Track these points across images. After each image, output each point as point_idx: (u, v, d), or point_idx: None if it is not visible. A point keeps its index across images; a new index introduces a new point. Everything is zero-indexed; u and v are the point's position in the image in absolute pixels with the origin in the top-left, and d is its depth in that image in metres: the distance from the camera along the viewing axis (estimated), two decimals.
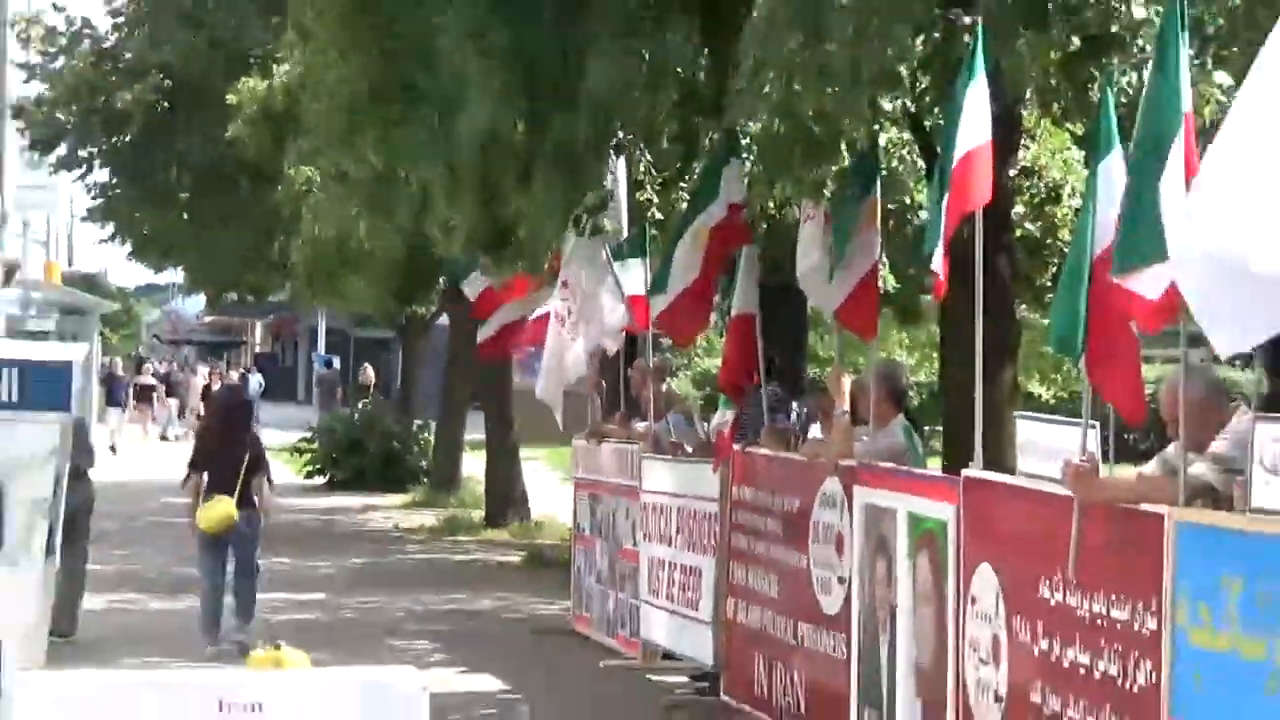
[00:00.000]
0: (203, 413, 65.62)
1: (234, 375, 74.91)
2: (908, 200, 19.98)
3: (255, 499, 20.28)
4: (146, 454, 55.07)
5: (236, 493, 20.00)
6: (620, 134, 19.67)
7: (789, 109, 16.07)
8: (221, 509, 19.88)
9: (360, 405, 59.21)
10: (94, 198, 53.95)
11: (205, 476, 20.52)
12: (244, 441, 20.97)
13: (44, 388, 7.50)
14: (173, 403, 73.36)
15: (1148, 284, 10.95)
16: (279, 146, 35.03)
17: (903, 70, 16.48)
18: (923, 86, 17.00)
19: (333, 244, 34.46)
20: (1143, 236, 10.99)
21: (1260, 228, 9.44)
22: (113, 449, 55.61)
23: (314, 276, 39.89)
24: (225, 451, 20.68)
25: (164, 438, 65.77)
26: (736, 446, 18.32)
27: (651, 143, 20.87)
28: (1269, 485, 9.95)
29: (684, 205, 23.67)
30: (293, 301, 58.96)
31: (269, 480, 21.02)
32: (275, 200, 39.05)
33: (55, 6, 49.82)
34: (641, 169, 23.60)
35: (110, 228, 55.21)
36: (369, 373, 68.46)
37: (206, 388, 71.19)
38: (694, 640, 18.70)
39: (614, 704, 18.29)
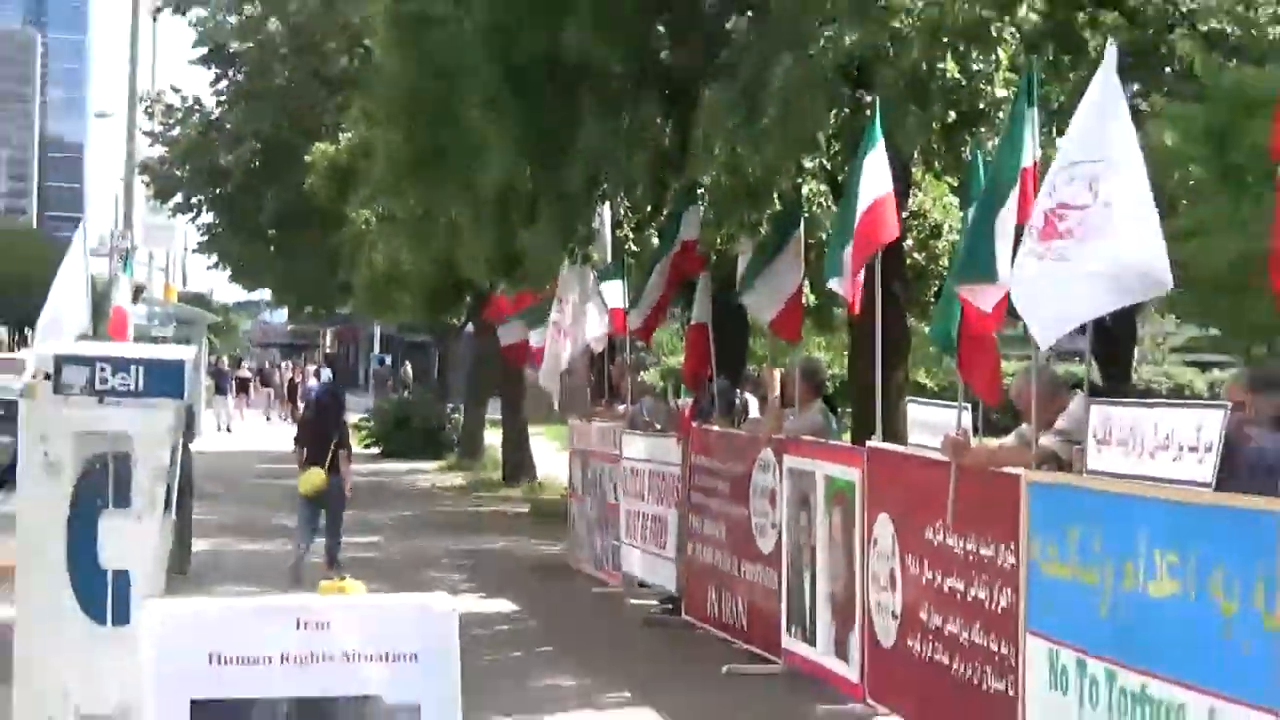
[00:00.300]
0: (287, 400, 66.57)
1: (310, 370, 75.17)
2: (824, 237, 19.90)
3: (341, 469, 20.52)
4: (247, 432, 54.95)
5: (327, 464, 20.25)
6: (605, 186, 19.63)
7: (733, 167, 16.09)
8: (316, 477, 20.14)
9: (404, 393, 59.39)
10: (202, 235, 54.14)
11: (305, 450, 20.79)
12: (334, 426, 21.18)
13: (163, 380, 7.49)
14: (267, 391, 74.27)
15: (981, 298, 11.30)
16: (343, 195, 35.06)
17: (820, 137, 16.49)
18: (835, 150, 16.99)
19: (384, 269, 34.52)
20: (978, 259, 11.39)
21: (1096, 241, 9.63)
22: (228, 429, 55.75)
23: (370, 294, 39.94)
24: (320, 433, 20.92)
25: (268, 419, 65.99)
26: (694, 424, 18.37)
27: (629, 192, 20.83)
28: (1100, 453, 10.02)
29: (655, 241, 23.72)
30: (354, 313, 59.02)
31: (349, 455, 21.21)
32: (340, 236, 39.09)
33: (173, 88, 49.80)
34: (621, 212, 23.59)
35: (214, 258, 55.38)
36: (408, 369, 68.71)
37: (291, 380, 71.85)
38: (662, 572, 18.68)
39: (602, 621, 18.35)
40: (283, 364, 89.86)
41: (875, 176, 13.85)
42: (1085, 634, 9.76)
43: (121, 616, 7.07)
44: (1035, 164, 11.36)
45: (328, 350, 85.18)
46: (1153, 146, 19.53)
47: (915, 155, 16.99)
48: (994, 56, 15.98)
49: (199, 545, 21.49)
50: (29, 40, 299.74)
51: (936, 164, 19.11)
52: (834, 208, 18.82)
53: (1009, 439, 12.11)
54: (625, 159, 18.26)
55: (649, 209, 22.21)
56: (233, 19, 46.69)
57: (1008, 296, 11.39)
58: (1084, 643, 9.77)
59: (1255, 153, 14.87)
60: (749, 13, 16.87)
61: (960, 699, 11.46)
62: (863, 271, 14.11)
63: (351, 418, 44.10)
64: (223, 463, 37.18)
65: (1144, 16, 18.76)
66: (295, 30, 43.74)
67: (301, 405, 53.42)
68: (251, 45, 45.77)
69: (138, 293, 39.02)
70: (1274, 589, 7.96)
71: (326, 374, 64.60)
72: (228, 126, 47.42)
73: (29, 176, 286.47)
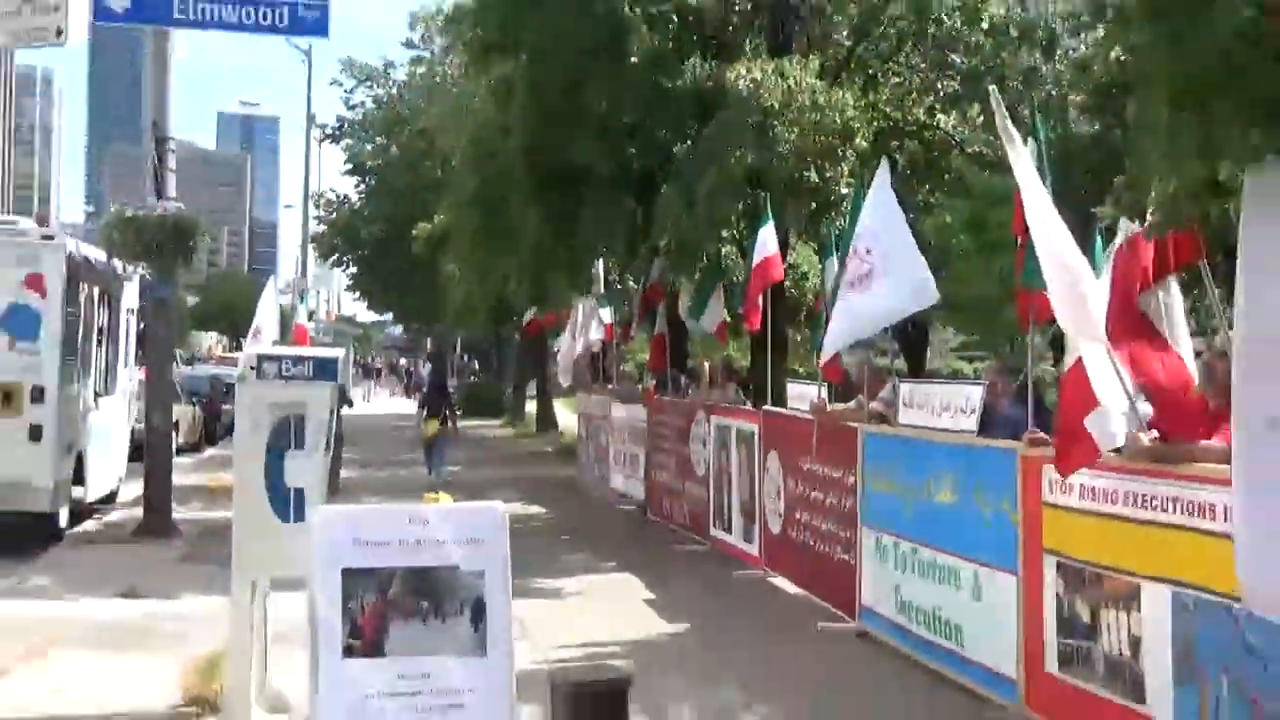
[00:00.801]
0: (404, 383, 66.49)
1: (420, 363, 75.03)
2: (735, 279, 19.94)
3: (448, 423, 20.58)
4: (379, 404, 54.88)
5: (439, 419, 20.29)
6: (600, 248, 19.60)
7: (679, 237, 16.11)
8: (432, 426, 20.19)
9: (472, 378, 59.40)
10: (349, 280, 54.00)
11: (426, 410, 20.86)
12: (442, 396, 21.29)
13: (324, 369, 7.44)
14: (392, 378, 74.34)
15: None
16: (437, 255, 34.86)
17: (732, 219, 16.52)
18: (742, 226, 17.00)
19: (463, 301, 34.31)
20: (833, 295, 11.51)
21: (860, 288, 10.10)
22: (367, 400, 55.49)
23: (454, 316, 39.77)
24: (434, 401, 20.99)
25: (391, 395, 65.72)
26: (655, 397, 18.37)
27: (614, 252, 20.78)
28: (906, 414, 10.05)
29: (632, 284, 23.72)
30: (445, 327, 58.75)
31: (454, 413, 21.37)
32: (435, 280, 38.93)
33: (331, 189, 49.82)
34: (610, 264, 23.64)
35: (357, 294, 55.36)
36: (474, 363, 68.73)
37: (407, 370, 71.80)
38: (635, 488, 18.65)
39: (598, 519, 18.25)
40: (402, 360, 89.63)
41: (766, 243, 13.98)
42: (898, 526, 9.83)
43: (299, 516, 7.02)
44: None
45: (430, 351, 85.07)
46: (936, 227, 19.69)
47: (790, 230, 17.00)
48: (840, 168, 16.04)
49: (347, 472, 21.39)
50: (242, 161, 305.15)
51: (805, 235, 19.13)
52: (742, 262, 18.89)
53: (850, 404, 12.13)
54: (611, 231, 18.27)
55: (626, 262, 22.16)
56: (368, 146, 46.58)
57: None
58: (897, 531, 9.84)
59: (1002, 230, 14.93)
60: (689, 140, 16.86)
61: (821, 566, 11.48)
62: (760, 300, 14.23)
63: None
64: (364, 422, 37.07)
65: (933, 143, 18.83)
66: (406, 154, 43.58)
67: (415, 387, 54.08)
68: (379, 162, 45.70)
69: (310, 316, 39.02)
70: (1014, 497, 8.06)
71: (428, 367, 64.63)
72: (365, 213, 47.32)
73: (242, 244, 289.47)
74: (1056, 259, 7.21)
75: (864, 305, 10.50)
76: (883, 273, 10.30)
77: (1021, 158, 7.64)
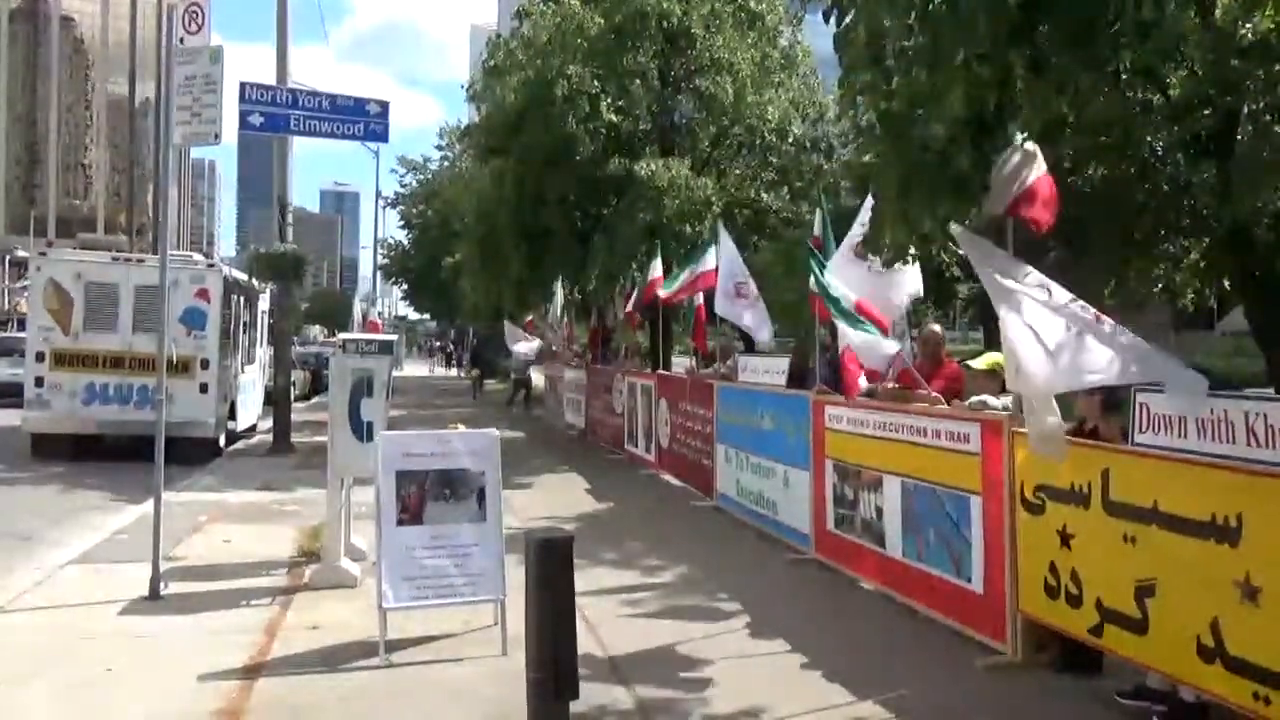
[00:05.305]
0: (440, 356, 64.17)
1: (450, 345, 72.48)
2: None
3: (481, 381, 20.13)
4: (421, 370, 53.69)
5: (479, 374, 19.78)
6: (558, 276, 19.25)
7: (604, 269, 15.90)
8: (474, 375, 19.60)
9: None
10: (403, 293, 52.93)
11: (473, 368, 20.44)
12: (481, 361, 20.75)
13: (385, 348, 7.30)
14: (437, 354, 72.22)
15: (698, 327, 11.47)
16: (456, 278, 34.01)
17: (637, 256, 16.34)
18: (644, 261, 16.76)
19: (472, 307, 33.35)
20: (690, 310, 11.21)
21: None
22: (431, 371, 53.46)
23: (468, 316, 38.86)
24: (476, 363, 20.49)
25: (431, 370, 63.94)
26: (592, 364, 18.13)
27: (566, 279, 20.34)
28: (745, 373, 10.03)
29: (578, 296, 23.26)
30: (462, 321, 57.68)
31: (483, 374, 20.85)
32: (456, 292, 37.97)
33: (391, 237, 48.79)
34: (565, 286, 23.32)
35: (408, 302, 54.20)
36: (476, 344, 67.06)
37: (440, 348, 69.62)
38: (578, 420, 18.29)
39: (555, 438, 17.93)
40: (437, 342, 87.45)
41: (656, 270, 13.88)
42: (739, 442, 9.75)
43: (370, 438, 6.87)
44: (715, 268, 11.52)
45: (472, 338, 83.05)
46: (761, 261, 19.59)
47: (674, 262, 16.86)
48: (703, 226, 16.00)
49: (395, 412, 20.77)
50: (334, 220, 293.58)
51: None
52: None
53: (710, 369, 12.12)
54: (565, 266, 18.08)
55: (576, 282, 21.87)
56: (414, 210, 45.59)
57: (711, 316, 11.46)
58: (738, 446, 9.76)
59: (799, 261, 14.96)
60: (612, 209, 16.72)
61: (692, 467, 11.40)
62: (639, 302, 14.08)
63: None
64: (409, 382, 36.32)
65: (758, 211, 18.66)
66: (437, 216, 42.69)
67: (453, 359, 52.56)
68: (420, 221, 44.77)
69: (378, 315, 38.09)
70: (808, 424, 8.02)
71: (450, 346, 63.41)
72: (411, 252, 46.37)
73: (335, 271, 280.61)
74: (844, 282, 7.51)
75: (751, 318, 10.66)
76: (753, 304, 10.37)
77: (817, 220, 8.18)
